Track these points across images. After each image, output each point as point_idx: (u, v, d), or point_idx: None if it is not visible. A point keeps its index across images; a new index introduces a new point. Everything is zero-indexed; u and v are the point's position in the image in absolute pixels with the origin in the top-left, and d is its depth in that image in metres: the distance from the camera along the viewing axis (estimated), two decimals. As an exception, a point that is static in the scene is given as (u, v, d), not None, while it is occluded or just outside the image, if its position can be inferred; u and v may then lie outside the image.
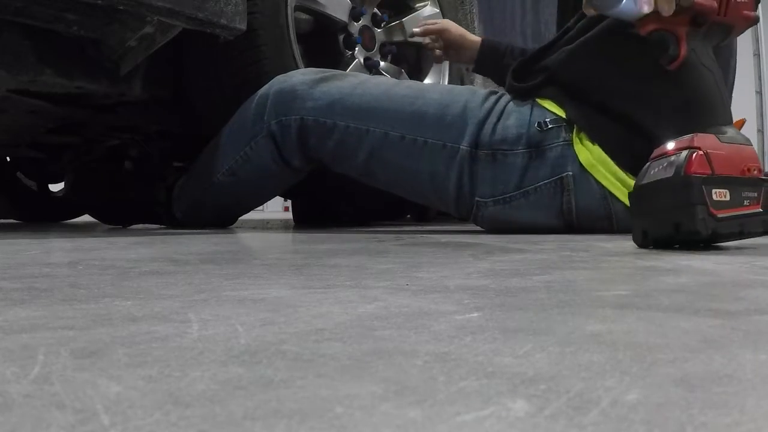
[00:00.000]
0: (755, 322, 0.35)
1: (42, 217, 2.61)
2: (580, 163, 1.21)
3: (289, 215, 5.46)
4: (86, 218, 3.13)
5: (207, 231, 1.45)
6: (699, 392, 0.23)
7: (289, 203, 10.06)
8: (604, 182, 1.21)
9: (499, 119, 1.27)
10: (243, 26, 1.30)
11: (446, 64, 2.02)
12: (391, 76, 1.85)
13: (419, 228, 1.70)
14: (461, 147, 1.28)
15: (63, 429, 0.19)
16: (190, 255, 0.82)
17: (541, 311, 0.39)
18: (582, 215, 1.24)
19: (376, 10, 1.84)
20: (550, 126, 1.24)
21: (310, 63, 1.62)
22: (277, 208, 9.74)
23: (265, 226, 2.08)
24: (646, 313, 0.38)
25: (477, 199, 1.29)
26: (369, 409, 0.21)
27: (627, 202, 1.16)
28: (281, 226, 2.12)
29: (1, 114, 1.63)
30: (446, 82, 2.03)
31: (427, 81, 2.03)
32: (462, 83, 2.13)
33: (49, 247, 0.99)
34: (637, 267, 0.65)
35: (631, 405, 0.21)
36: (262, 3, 1.49)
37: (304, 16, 1.66)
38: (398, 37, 1.91)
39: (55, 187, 2.71)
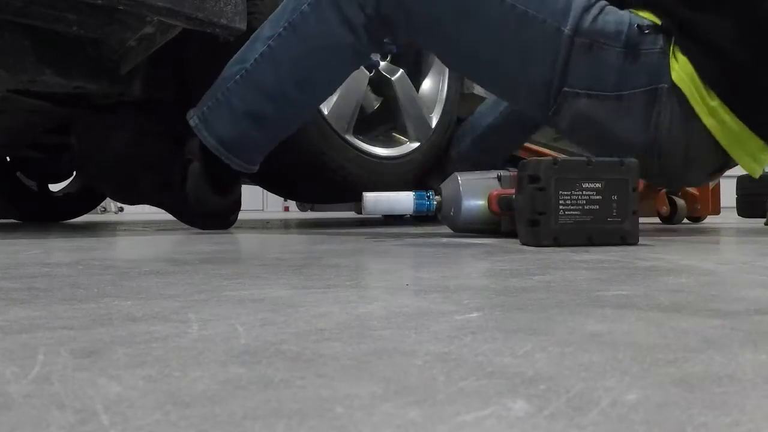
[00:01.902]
0: (755, 322, 0.35)
1: (42, 217, 2.61)
2: (672, 79, 1.17)
3: (289, 215, 5.46)
4: (86, 218, 3.13)
5: (207, 231, 1.45)
6: (699, 392, 0.23)
7: (289, 203, 10.03)
8: (690, 98, 1.16)
9: (600, 12, 1.20)
10: (243, 26, 1.29)
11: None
12: (391, 77, 1.86)
13: (419, 228, 1.70)
14: (563, 29, 1.17)
15: (63, 429, 0.19)
16: (190, 255, 0.82)
17: (541, 311, 0.39)
18: (666, 136, 1.19)
19: (376, 10, 1.83)
20: (647, 30, 1.18)
21: (310, 63, 1.62)
22: (277, 208, 9.75)
23: (265, 226, 2.08)
24: (646, 313, 0.38)
25: (565, 89, 1.20)
26: (369, 409, 0.21)
27: (707, 124, 1.15)
28: (281, 226, 2.12)
29: (1, 114, 1.63)
30: (446, 83, 2.03)
31: (427, 81, 2.03)
32: (462, 82, 2.13)
33: (49, 247, 0.99)
34: (637, 267, 0.65)
35: (631, 405, 0.21)
36: (262, 3, 1.49)
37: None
38: (398, 37, 1.91)
39: (55, 187, 2.71)
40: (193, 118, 1.36)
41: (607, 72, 1.19)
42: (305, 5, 1.26)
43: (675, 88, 1.17)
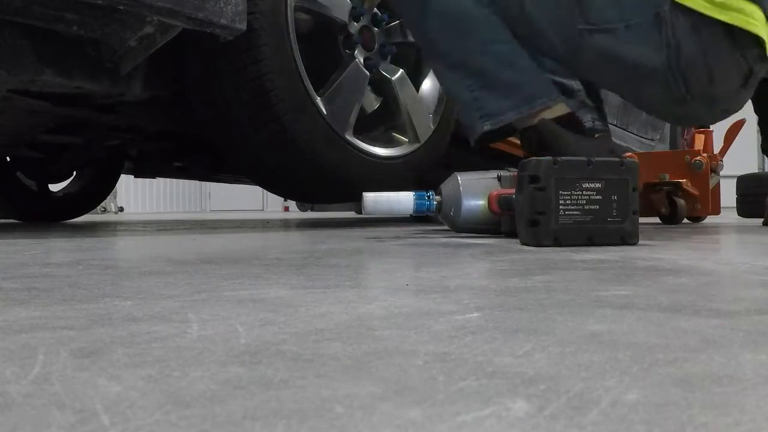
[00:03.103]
0: (755, 322, 0.35)
1: (42, 217, 2.61)
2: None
3: (289, 215, 5.46)
4: (86, 218, 3.13)
5: (207, 231, 1.44)
6: (699, 392, 0.23)
7: (289, 203, 10.04)
8: (693, 5, 1.21)
9: None
10: (243, 26, 1.29)
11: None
12: (391, 77, 1.86)
13: (419, 228, 1.70)
14: None
15: (63, 429, 0.19)
16: (190, 255, 0.82)
17: (541, 311, 0.39)
18: (682, 51, 1.23)
19: (376, 10, 1.83)
20: None
21: (310, 63, 1.62)
22: (277, 208, 9.76)
23: (265, 226, 2.08)
24: (646, 313, 0.38)
25: (580, 27, 1.28)
26: (369, 409, 0.21)
27: (722, 18, 1.19)
28: (281, 226, 2.12)
29: (1, 114, 1.63)
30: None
31: (427, 81, 2.03)
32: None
33: (49, 247, 0.99)
34: (637, 267, 0.65)
35: (631, 405, 0.21)
36: (262, 3, 1.49)
37: (304, 16, 1.66)
38: (398, 38, 1.91)
39: (55, 187, 2.71)
40: (481, 127, 1.36)
41: (613, 5, 1.26)
42: None
43: (676, 6, 1.22)
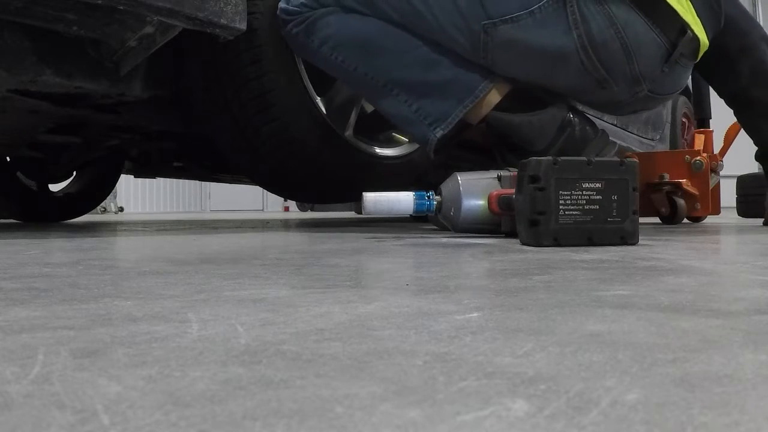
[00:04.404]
0: (755, 322, 0.35)
1: (42, 217, 2.61)
2: None
3: (289, 215, 5.46)
4: (86, 218, 3.13)
5: (207, 231, 1.45)
6: (699, 392, 0.23)
7: (289, 203, 10.05)
8: None
9: None
10: (243, 26, 1.29)
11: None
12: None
13: (419, 228, 1.70)
14: None
15: (63, 429, 0.19)
16: (190, 255, 0.82)
17: (541, 311, 0.39)
18: (591, 28, 1.22)
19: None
20: None
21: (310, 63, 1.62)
22: (277, 208, 9.76)
23: (265, 226, 2.08)
24: (646, 313, 0.38)
25: (484, 22, 1.26)
26: (369, 409, 0.21)
27: None
28: (281, 226, 2.12)
29: (1, 114, 1.63)
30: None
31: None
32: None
33: (49, 247, 0.99)
34: (637, 267, 0.65)
35: (631, 405, 0.21)
36: (262, 3, 1.49)
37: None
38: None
39: (55, 187, 2.71)
40: (433, 135, 1.35)
41: None
42: None
43: None
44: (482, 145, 1.44)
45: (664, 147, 3.51)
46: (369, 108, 1.94)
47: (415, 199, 1.19)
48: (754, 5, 9.02)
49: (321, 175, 1.67)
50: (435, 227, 1.63)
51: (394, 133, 1.94)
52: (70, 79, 1.34)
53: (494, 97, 1.30)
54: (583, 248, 0.90)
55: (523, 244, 0.98)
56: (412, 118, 1.35)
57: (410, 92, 1.34)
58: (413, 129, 1.37)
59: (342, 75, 1.45)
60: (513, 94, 1.32)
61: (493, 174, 1.20)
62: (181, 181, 8.37)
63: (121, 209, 8.08)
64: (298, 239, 1.23)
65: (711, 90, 2.32)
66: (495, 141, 1.33)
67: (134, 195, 9.21)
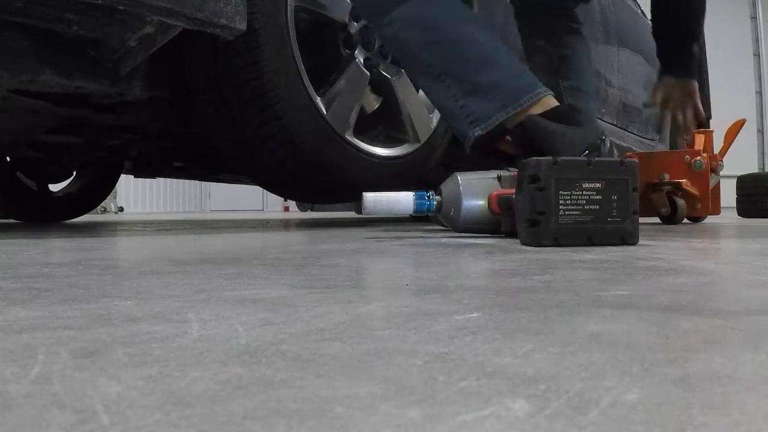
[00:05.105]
0: (755, 322, 0.35)
1: (42, 217, 2.61)
2: None
3: (289, 215, 5.46)
4: (86, 218, 3.13)
5: (207, 230, 1.45)
6: (699, 392, 0.23)
7: (289, 203, 10.03)
8: None
9: None
10: (243, 26, 1.29)
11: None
12: (391, 77, 1.86)
13: (419, 228, 1.70)
14: None
15: (63, 429, 0.19)
16: (190, 255, 0.82)
17: (541, 311, 0.39)
18: None
19: (376, 10, 1.83)
20: None
21: (310, 63, 1.62)
22: (277, 208, 9.76)
23: (265, 226, 2.08)
24: (646, 313, 0.38)
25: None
26: (369, 409, 0.21)
27: None
28: (281, 226, 2.12)
29: (1, 114, 1.63)
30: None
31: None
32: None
33: (49, 247, 0.99)
34: (637, 267, 0.65)
35: (631, 405, 0.21)
36: (262, 3, 1.49)
37: (304, 16, 1.66)
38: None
39: (55, 187, 2.71)
40: (473, 134, 1.35)
41: None
42: None
43: None
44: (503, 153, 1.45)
45: (664, 147, 3.51)
46: (369, 108, 1.94)
47: (415, 199, 1.19)
48: (754, 5, 9.03)
49: (321, 175, 1.67)
50: (439, 227, 1.63)
51: (394, 133, 1.94)
52: (70, 79, 1.34)
53: (536, 110, 1.31)
54: (583, 248, 0.90)
55: (523, 244, 0.98)
56: (456, 114, 1.36)
57: (460, 87, 1.35)
58: (455, 123, 1.39)
59: (401, 54, 1.46)
60: (553, 111, 1.32)
61: (493, 174, 1.20)
62: (181, 181, 8.37)
63: (121, 209, 8.08)
64: (298, 239, 1.23)
65: (710, 90, 2.32)
66: (523, 144, 1.33)
67: (134, 195, 9.21)
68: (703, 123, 1.91)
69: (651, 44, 1.86)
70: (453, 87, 1.35)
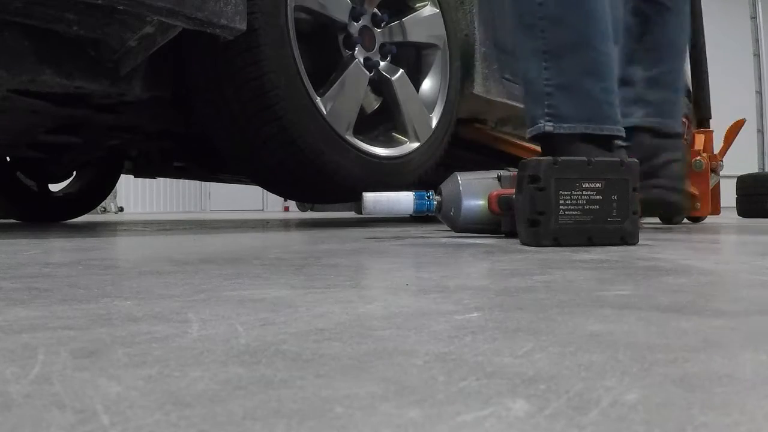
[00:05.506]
0: (755, 322, 0.35)
1: (42, 217, 2.61)
2: None
3: (289, 215, 5.46)
4: (86, 218, 3.13)
5: (207, 230, 1.45)
6: (699, 392, 0.23)
7: (289, 203, 10.03)
8: None
9: None
10: (243, 26, 1.29)
11: (446, 65, 2.02)
12: (391, 77, 1.86)
13: (419, 228, 1.70)
14: None
15: (63, 429, 0.19)
16: (190, 255, 0.82)
17: (541, 311, 0.39)
18: None
19: (376, 10, 1.83)
20: None
21: (310, 63, 1.62)
22: (277, 208, 9.76)
23: (265, 226, 2.08)
24: (646, 313, 0.38)
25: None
26: (369, 409, 0.21)
27: None
28: (281, 226, 2.11)
29: (1, 114, 1.63)
30: (446, 84, 2.03)
31: (427, 81, 2.03)
32: (461, 83, 2.13)
33: (49, 247, 0.99)
34: (637, 267, 0.65)
35: (631, 405, 0.21)
36: (262, 3, 1.48)
37: (304, 16, 1.66)
38: (398, 37, 1.91)
39: (55, 187, 2.71)
40: (544, 125, 1.29)
41: None
42: None
43: None
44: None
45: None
46: (369, 108, 1.94)
47: (415, 199, 1.19)
48: (754, 5, 9.03)
49: (321, 175, 1.67)
50: (436, 226, 1.63)
51: (394, 133, 1.94)
52: (70, 79, 1.34)
53: (610, 135, 1.26)
54: (583, 248, 0.90)
55: (523, 244, 0.98)
56: (537, 96, 1.29)
57: (558, 76, 1.27)
58: (530, 104, 1.32)
59: (519, 16, 1.34)
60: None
61: (493, 174, 1.20)
62: (181, 181, 8.36)
63: (121, 209, 8.08)
64: (298, 239, 1.23)
65: (710, 90, 2.31)
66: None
67: (134, 195, 9.21)
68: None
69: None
70: (551, 71, 1.27)
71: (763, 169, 8.62)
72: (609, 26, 1.30)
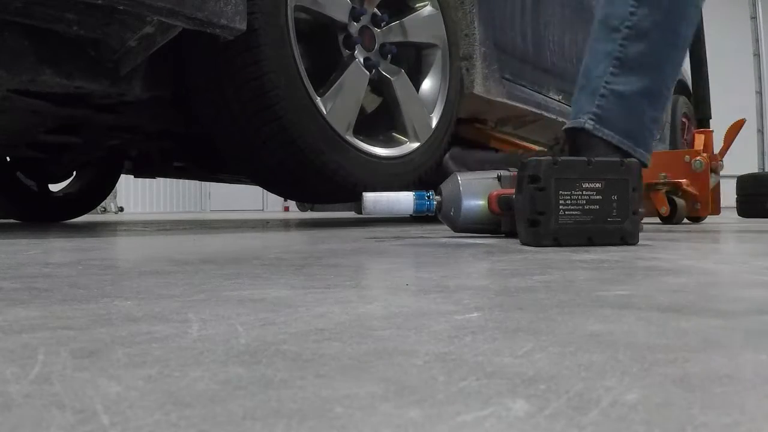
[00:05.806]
0: (755, 322, 0.35)
1: (42, 217, 2.61)
2: None
3: (289, 215, 5.46)
4: (86, 218, 3.13)
5: (207, 230, 1.45)
6: (699, 392, 0.23)
7: (289, 203, 10.03)
8: None
9: None
10: (243, 26, 1.29)
11: (446, 66, 2.02)
12: (391, 77, 1.86)
13: (419, 228, 1.70)
14: None
15: (63, 429, 0.19)
16: (190, 255, 0.82)
17: (541, 311, 0.39)
18: None
19: (376, 10, 1.83)
20: None
21: (310, 63, 1.62)
22: (277, 208, 9.76)
23: (265, 226, 2.08)
24: (646, 313, 0.38)
25: None
26: (369, 409, 0.21)
27: None
28: (281, 226, 2.12)
29: (1, 114, 1.63)
30: (446, 84, 2.03)
31: (427, 81, 2.03)
32: (461, 84, 2.13)
33: (49, 247, 0.99)
34: (637, 267, 0.65)
35: (631, 405, 0.21)
36: (262, 3, 1.48)
37: (304, 16, 1.66)
38: (398, 38, 1.91)
39: (55, 187, 2.71)
40: (586, 121, 1.27)
41: None
42: None
43: None
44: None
45: (664, 147, 3.51)
46: (369, 108, 1.94)
47: (415, 199, 1.19)
48: (754, 5, 9.03)
49: (321, 175, 1.67)
50: (436, 226, 1.63)
51: (394, 133, 1.94)
52: (70, 79, 1.34)
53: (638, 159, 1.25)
54: (583, 248, 0.90)
55: (523, 244, 0.98)
56: (592, 93, 1.27)
57: (619, 85, 1.26)
58: (581, 98, 1.30)
59: (606, 16, 1.31)
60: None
61: (493, 174, 1.20)
62: (181, 181, 8.37)
63: (121, 209, 8.08)
64: (298, 239, 1.23)
65: (710, 90, 2.31)
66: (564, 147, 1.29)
67: (134, 195, 9.21)
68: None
69: None
70: (615, 77, 1.26)
71: (763, 169, 8.62)
72: (681, 66, 1.30)
